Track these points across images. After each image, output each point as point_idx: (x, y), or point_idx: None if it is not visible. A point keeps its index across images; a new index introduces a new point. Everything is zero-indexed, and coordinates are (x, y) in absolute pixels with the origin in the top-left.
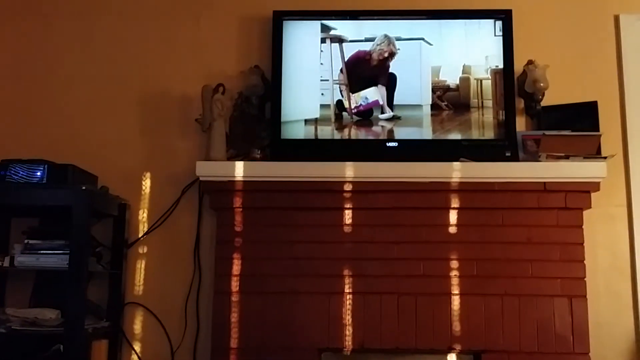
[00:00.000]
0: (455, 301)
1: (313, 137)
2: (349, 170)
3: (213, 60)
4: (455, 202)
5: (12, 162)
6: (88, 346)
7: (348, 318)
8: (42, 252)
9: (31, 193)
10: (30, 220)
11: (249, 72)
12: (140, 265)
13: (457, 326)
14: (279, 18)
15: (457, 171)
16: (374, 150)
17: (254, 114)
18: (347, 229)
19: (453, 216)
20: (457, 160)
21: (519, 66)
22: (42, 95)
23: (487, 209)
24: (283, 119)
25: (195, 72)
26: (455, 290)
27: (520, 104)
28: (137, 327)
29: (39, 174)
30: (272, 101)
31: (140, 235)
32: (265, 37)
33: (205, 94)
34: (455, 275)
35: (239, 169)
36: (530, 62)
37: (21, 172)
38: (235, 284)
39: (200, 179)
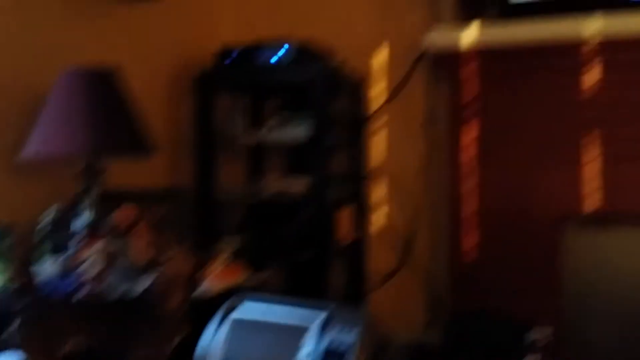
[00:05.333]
0: None
1: None
2: (594, 25)
3: None
4: None
5: (260, 44)
6: (333, 212)
7: (593, 185)
8: (288, 127)
9: (275, 72)
10: (280, 98)
11: None
12: (378, 137)
13: None
14: None
15: None
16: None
17: None
18: (592, 91)
19: None
20: None
21: None
22: None
23: None
24: None
25: None
26: None
27: None
28: (378, 195)
29: (281, 53)
30: None
31: (376, 108)
32: None
33: None
34: None
35: (469, 36)
36: None
37: (266, 53)
38: (469, 154)
39: (430, 48)
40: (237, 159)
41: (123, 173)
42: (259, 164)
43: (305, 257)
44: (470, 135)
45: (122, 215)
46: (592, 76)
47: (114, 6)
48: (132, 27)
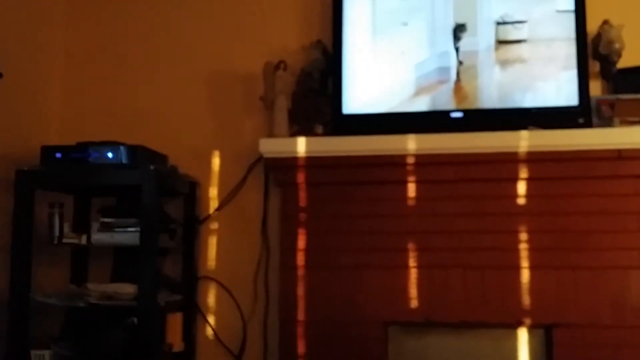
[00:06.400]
0: (525, 274)
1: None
2: (411, 143)
3: (275, 36)
4: (523, 173)
5: (88, 145)
6: (163, 318)
7: (414, 292)
8: (116, 229)
9: (104, 174)
10: (108, 199)
11: (310, 47)
12: (212, 240)
13: (526, 300)
14: None
15: (524, 140)
16: (438, 122)
17: (316, 89)
18: (411, 202)
19: (522, 187)
20: (525, 128)
21: (593, 27)
22: (114, 79)
23: (558, 178)
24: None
25: (258, 50)
26: (525, 263)
27: (595, 67)
28: (211, 300)
29: (111, 155)
30: (333, 76)
31: (210, 212)
32: (327, 11)
33: (266, 71)
34: (524, 247)
35: (301, 145)
36: (605, 22)
37: (95, 154)
38: (300, 259)
39: (264, 155)
40: (59, 262)
41: None
42: (84, 267)
43: None
44: (301, 239)
45: None
46: (410, 189)
47: None
48: None
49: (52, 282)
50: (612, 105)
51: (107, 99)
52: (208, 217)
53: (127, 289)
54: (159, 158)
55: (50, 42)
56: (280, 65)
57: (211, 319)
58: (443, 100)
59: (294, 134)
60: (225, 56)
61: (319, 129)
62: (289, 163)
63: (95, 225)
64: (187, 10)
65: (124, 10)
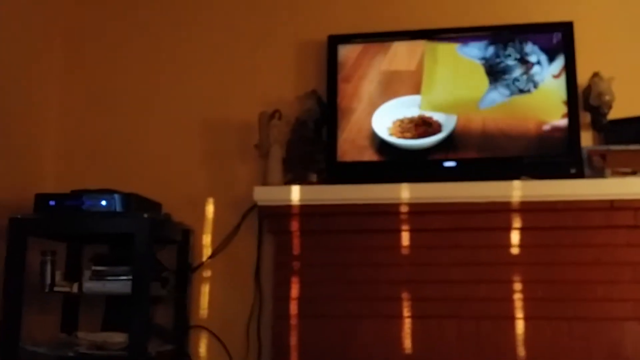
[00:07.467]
0: (520, 325)
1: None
2: (405, 192)
3: (270, 86)
4: (516, 223)
5: (82, 193)
6: None
7: (408, 342)
8: (108, 277)
9: (97, 222)
10: (101, 247)
11: (304, 96)
12: (205, 289)
13: (521, 351)
14: (334, 43)
15: (517, 190)
16: (431, 170)
17: (310, 138)
18: (405, 252)
19: (515, 237)
20: (517, 178)
21: (583, 79)
22: (108, 128)
23: (551, 228)
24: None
25: (254, 99)
26: (519, 314)
27: (586, 118)
28: (202, 350)
29: (104, 203)
30: (328, 125)
31: (203, 260)
32: (322, 61)
33: (262, 120)
34: (518, 298)
35: (295, 193)
36: (595, 75)
37: (88, 202)
38: (294, 308)
39: (258, 203)
40: (50, 310)
41: None
42: (74, 316)
43: None
44: (294, 288)
45: None
46: (404, 238)
47: None
48: None
49: (43, 331)
50: (603, 156)
51: (101, 147)
52: (201, 265)
53: (117, 338)
54: (152, 206)
55: (45, 91)
56: (275, 114)
57: None
58: None
59: (288, 182)
60: (221, 105)
61: (313, 177)
62: (283, 211)
63: (87, 274)
64: (182, 60)
65: (120, 60)
